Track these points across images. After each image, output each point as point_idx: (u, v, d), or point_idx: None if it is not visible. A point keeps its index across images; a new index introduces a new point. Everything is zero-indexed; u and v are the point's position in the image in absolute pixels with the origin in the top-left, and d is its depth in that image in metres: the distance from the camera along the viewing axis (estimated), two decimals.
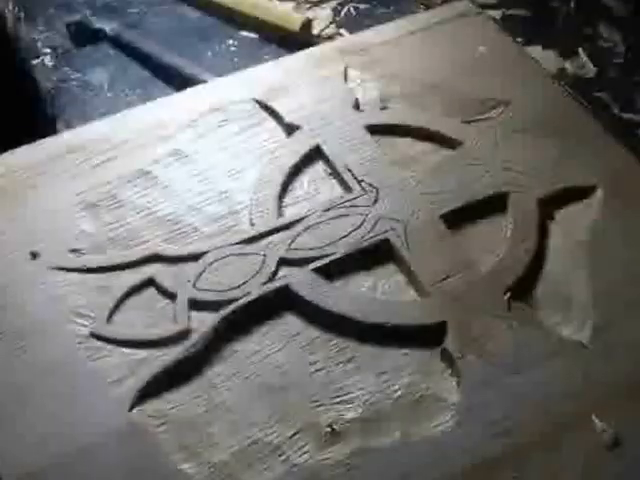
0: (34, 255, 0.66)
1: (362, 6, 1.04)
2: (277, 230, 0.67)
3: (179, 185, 0.71)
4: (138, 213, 0.69)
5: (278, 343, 0.61)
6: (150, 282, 0.64)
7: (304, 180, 0.72)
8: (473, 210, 0.69)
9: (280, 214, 0.69)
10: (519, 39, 0.96)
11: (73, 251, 0.66)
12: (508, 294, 0.63)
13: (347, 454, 0.55)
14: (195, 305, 0.62)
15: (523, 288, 0.64)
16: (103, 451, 0.55)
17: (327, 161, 0.73)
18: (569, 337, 0.61)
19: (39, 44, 0.99)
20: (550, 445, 0.55)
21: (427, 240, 0.66)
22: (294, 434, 0.56)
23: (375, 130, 0.75)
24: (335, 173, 0.72)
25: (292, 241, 0.66)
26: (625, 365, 0.59)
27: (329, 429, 0.56)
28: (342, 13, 1.03)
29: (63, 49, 0.98)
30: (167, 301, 0.63)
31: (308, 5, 1.05)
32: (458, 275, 0.64)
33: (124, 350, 0.60)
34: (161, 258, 0.65)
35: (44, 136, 0.76)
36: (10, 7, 1.01)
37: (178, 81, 0.92)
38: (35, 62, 0.97)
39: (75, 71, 0.96)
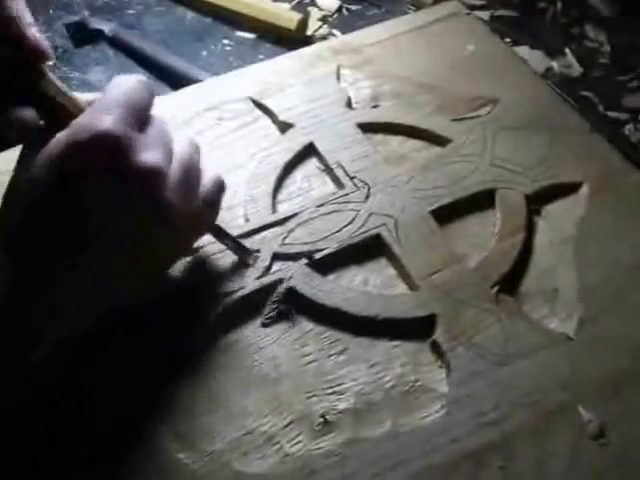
0: None
1: (354, 7, 1.04)
2: (271, 225, 0.66)
3: None
4: None
5: (272, 335, 0.61)
6: None
7: (297, 177, 0.72)
8: (462, 206, 0.69)
9: (274, 210, 0.69)
10: (507, 39, 0.96)
11: None
12: (496, 288, 0.63)
13: (339, 444, 0.55)
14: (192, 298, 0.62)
15: (511, 282, 0.64)
16: None
17: (320, 158, 0.73)
18: (556, 330, 0.61)
19: None
20: (537, 435, 0.55)
21: (417, 235, 0.66)
22: (288, 424, 0.56)
23: (367, 128, 0.75)
24: (328, 170, 0.72)
25: (286, 236, 0.66)
26: (610, 357, 0.59)
27: (322, 419, 0.56)
28: (335, 14, 1.03)
29: (63, 49, 0.98)
30: None
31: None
32: (447, 269, 0.64)
33: None
34: None
35: None
36: None
37: (175, 80, 0.91)
38: None
39: (74, 70, 0.95)
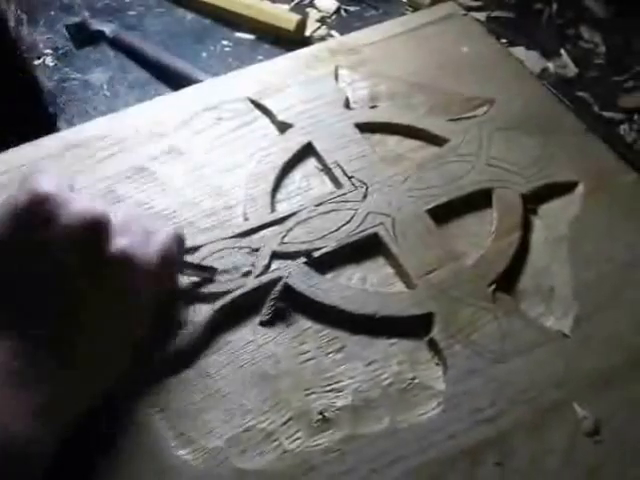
0: None
1: (352, 9, 1.04)
2: (270, 224, 0.66)
3: (175, 181, 0.71)
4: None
5: (271, 333, 0.61)
6: None
7: (296, 176, 0.72)
8: (459, 205, 0.69)
9: (273, 209, 0.68)
10: (503, 40, 0.96)
11: None
12: (493, 286, 0.63)
13: (337, 440, 0.55)
14: (191, 296, 0.62)
15: (507, 280, 0.64)
16: None
17: (318, 158, 0.73)
18: (551, 327, 0.61)
19: (40, 45, 0.99)
20: (532, 431, 0.55)
21: (414, 234, 0.66)
22: (286, 421, 0.56)
23: (364, 128, 0.75)
24: (326, 169, 0.72)
25: (285, 235, 0.65)
26: (605, 354, 0.59)
27: (320, 416, 0.56)
28: (333, 15, 1.03)
29: (64, 50, 0.98)
30: None
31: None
32: (444, 268, 0.64)
33: None
34: None
35: (46, 133, 0.75)
36: (12, 9, 1.01)
37: (174, 81, 0.91)
38: (37, 62, 0.97)
39: (75, 71, 0.96)
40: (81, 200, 0.53)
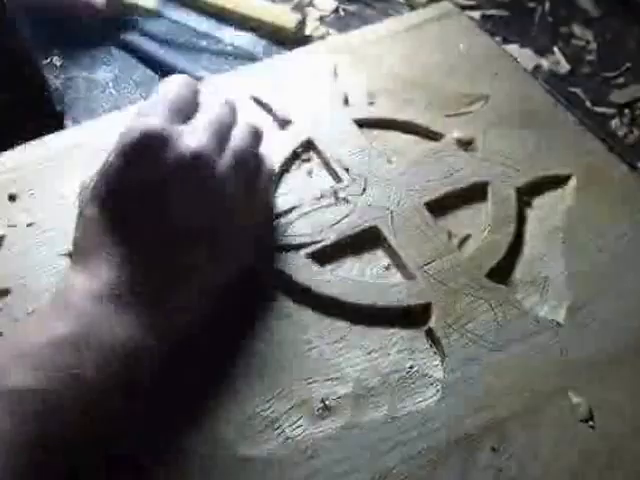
0: (44, 243, 0.65)
1: (350, 8, 1.04)
2: None
3: None
4: None
5: (273, 323, 0.60)
6: None
7: (297, 171, 0.72)
8: (455, 198, 0.69)
9: (275, 203, 0.68)
10: (497, 38, 0.96)
11: None
12: (489, 277, 0.63)
13: (339, 427, 0.55)
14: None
15: (503, 271, 0.64)
16: None
17: (318, 153, 0.72)
18: (546, 317, 0.61)
19: (48, 45, 0.99)
20: (528, 418, 0.55)
21: (412, 227, 0.66)
22: (289, 409, 0.56)
23: (363, 124, 0.75)
24: (326, 164, 0.72)
25: (286, 228, 0.65)
26: (597, 343, 0.59)
27: (322, 404, 0.56)
28: (331, 14, 1.03)
29: (70, 49, 0.98)
30: None
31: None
32: (442, 259, 0.64)
33: None
34: None
35: (53, 131, 0.75)
36: (20, 9, 1.00)
37: None
38: (45, 62, 0.97)
39: (82, 70, 0.96)
40: (186, 135, 0.55)
